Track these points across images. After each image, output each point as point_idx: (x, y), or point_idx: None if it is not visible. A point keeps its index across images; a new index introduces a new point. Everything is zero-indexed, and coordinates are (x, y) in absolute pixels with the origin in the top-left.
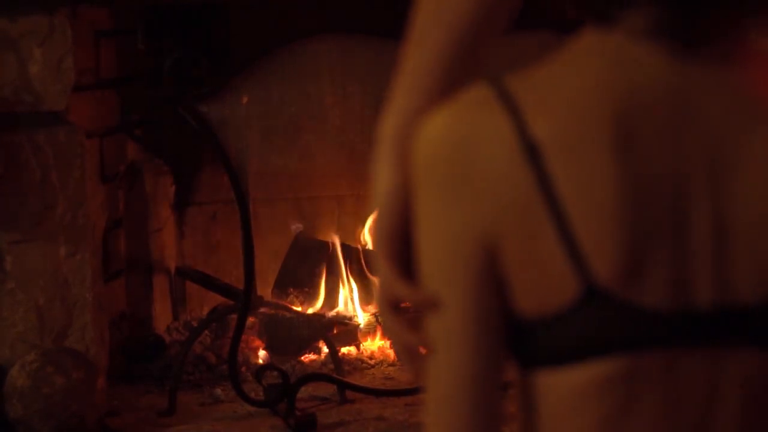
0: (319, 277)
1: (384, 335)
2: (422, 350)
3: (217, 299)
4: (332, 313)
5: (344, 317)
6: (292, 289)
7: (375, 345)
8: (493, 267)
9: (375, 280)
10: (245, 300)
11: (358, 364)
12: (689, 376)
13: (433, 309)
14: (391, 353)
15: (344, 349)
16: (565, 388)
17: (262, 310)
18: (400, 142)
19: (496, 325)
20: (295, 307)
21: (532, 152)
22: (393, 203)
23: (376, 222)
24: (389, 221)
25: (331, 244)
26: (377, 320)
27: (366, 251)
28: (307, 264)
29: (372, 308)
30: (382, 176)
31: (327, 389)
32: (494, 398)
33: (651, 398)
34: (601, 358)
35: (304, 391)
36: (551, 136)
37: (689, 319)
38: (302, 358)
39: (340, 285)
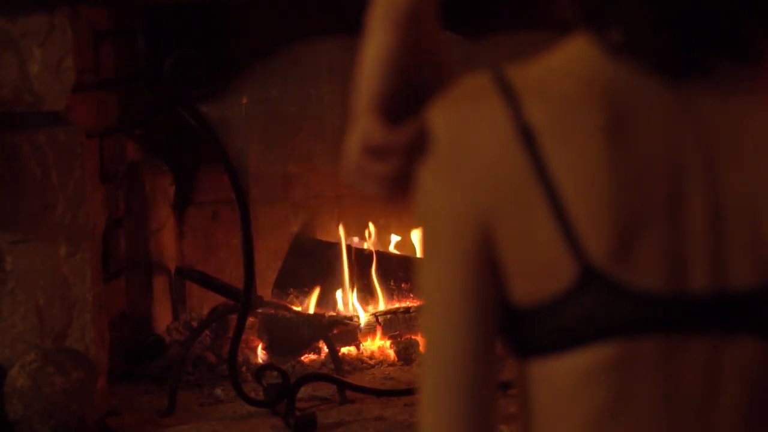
0: (320, 277)
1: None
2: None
3: (217, 299)
4: (332, 313)
5: (344, 317)
6: (292, 289)
7: (375, 345)
8: (489, 252)
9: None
10: (245, 300)
11: (358, 364)
12: (688, 363)
13: (415, 150)
14: (391, 353)
15: (344, 349)
16: (562, 375)
17: (262, 310)
18: (393, 7)
19: (491, 309)
20: (295, 307)
21: (526, 136)
22: (382, 65)
23: (361, 81)
24: (377, 80)
25: (330, 244)
26: (377, 320)
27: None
28: (307, 264)
29: (372, 308)
30: (374, 39)
31: (327, 389)
32: (489, 381)
33: (649, 385)
34: (597, 343)
35: (304, 391)
36: (545, 120)
37: (686, 304)
38: (302, 358)
39: (340, 285)
